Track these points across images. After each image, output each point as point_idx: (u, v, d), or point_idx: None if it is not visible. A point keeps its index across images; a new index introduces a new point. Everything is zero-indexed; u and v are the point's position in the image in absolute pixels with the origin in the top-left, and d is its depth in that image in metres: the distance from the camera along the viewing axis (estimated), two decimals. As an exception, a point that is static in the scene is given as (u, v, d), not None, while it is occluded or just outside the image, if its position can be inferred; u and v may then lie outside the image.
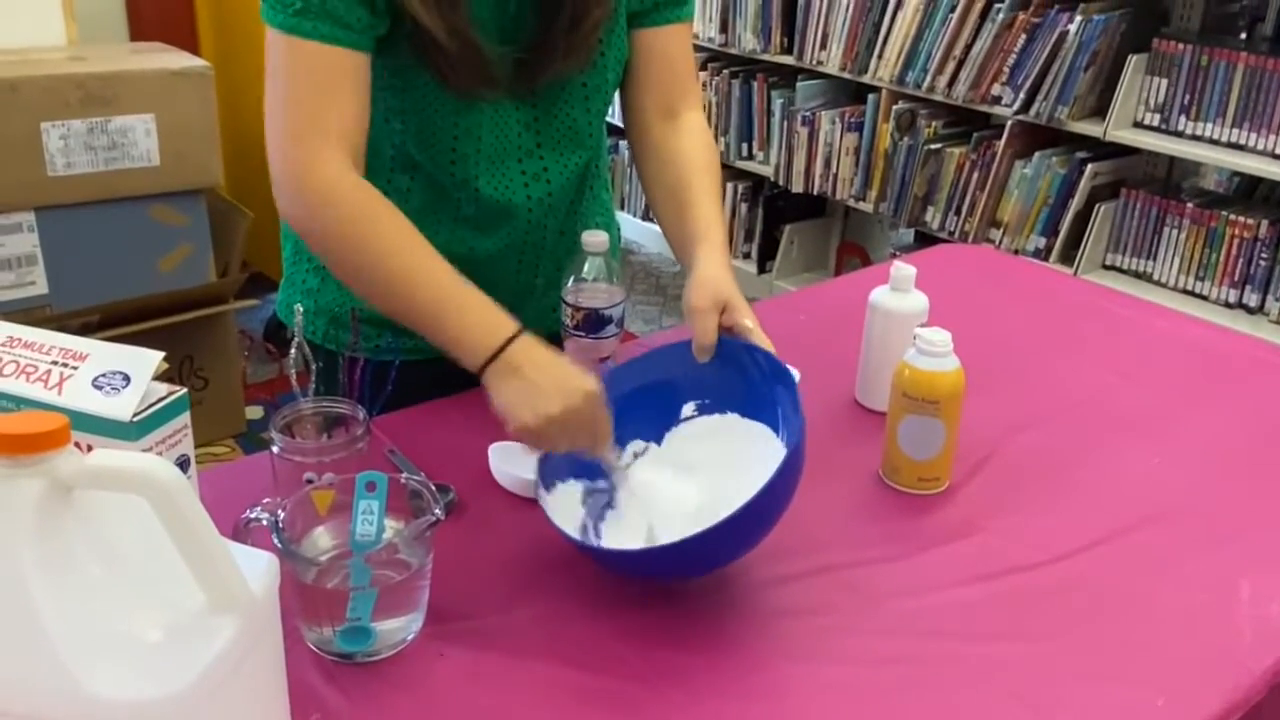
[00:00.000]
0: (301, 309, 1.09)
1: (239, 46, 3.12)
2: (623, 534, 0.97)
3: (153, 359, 0.78)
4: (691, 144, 1.19)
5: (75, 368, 0.77)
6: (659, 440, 1.06)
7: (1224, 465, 1.17)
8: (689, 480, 1.01)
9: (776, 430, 1.00)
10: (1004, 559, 1.00)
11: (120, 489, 0.61)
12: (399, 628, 0.86)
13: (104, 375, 0.77)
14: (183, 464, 0.82)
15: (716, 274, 1.05)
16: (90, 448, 0.76)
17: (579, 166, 1.21)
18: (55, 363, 0.77)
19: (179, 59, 2.46)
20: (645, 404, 1.04)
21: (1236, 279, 2.60)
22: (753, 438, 1.01)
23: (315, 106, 1.03)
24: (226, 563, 0.64)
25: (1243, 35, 2.72)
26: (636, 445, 1.05)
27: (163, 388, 0.79)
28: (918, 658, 0.88)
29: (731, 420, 1.04)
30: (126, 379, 0.76)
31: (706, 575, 0.95)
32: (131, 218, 2.39)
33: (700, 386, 1.05)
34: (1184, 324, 1.55)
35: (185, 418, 0.81)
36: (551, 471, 0.98)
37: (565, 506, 0.97)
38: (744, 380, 1.02)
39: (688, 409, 1.06)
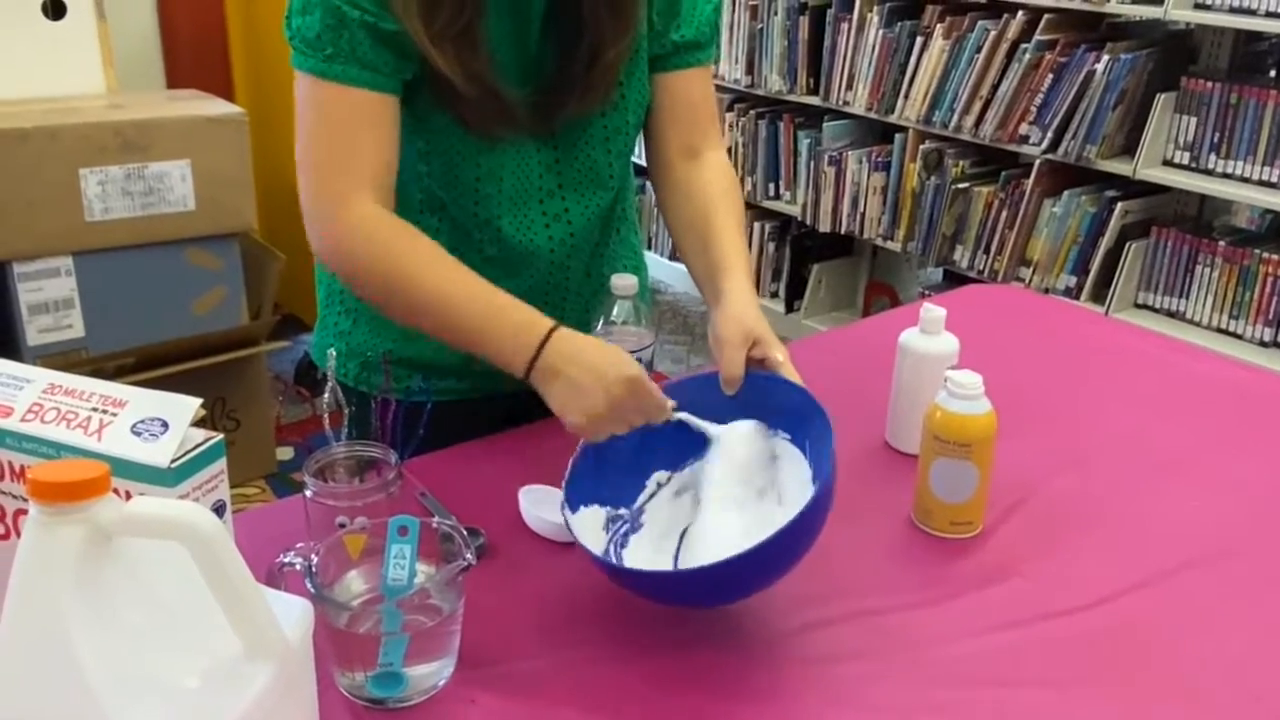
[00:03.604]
0: (335, 352, 1.10)
1: (273, 93, 3.18)
2: (643, 561, 0.98)
3: (190, 405, 0.79)
4: (713, 178, 1.20)
5: (115, 414, 0.78)
6: (681, 469, 1.05)
7: (1265, 508, 1.15)
8: (715, 511, 1.01)
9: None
10: (1040, 604, 0.98)
11: (159, 536, 0.62)
12: (431, 673, 0.86)
13: (143, 422, 0.78)
14: (218, 509, 0.83)
15: (745, 307, 1.06)
16: (129, 494, 0.77)
17: (601, 208, 1.22)
18: (95, 409, 0.78)
19: (214, 106, 2.50)
20: (670, 434, 1.04)
21: (1271, 317, 2.57)
22: (785, 463, 1.01)
23: (344, 149, 1.05)
24: (262, 610, 0.65)
25: (1272, 73, 2.71)
26: (660, 476, 1.05)
27: (199, 434, 0.80)
28: (952, 705, 0.87)
29: (764, 443, 1.03)
30: (165, 425, 0.77)
31: (731, 609, 0.95)
32: (167, 261, 2.43)
33: (727, 418, 1.04)
34: (1219, 364, 1.53)
35: (221, 463, 0.82)
36: (577, 496, 0.98)
37: (589, 529, 0.97)
38: (774, 412, 1.02)
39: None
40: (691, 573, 0.90)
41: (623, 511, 1.02)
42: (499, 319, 1.03)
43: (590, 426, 0.98)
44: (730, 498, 1.01)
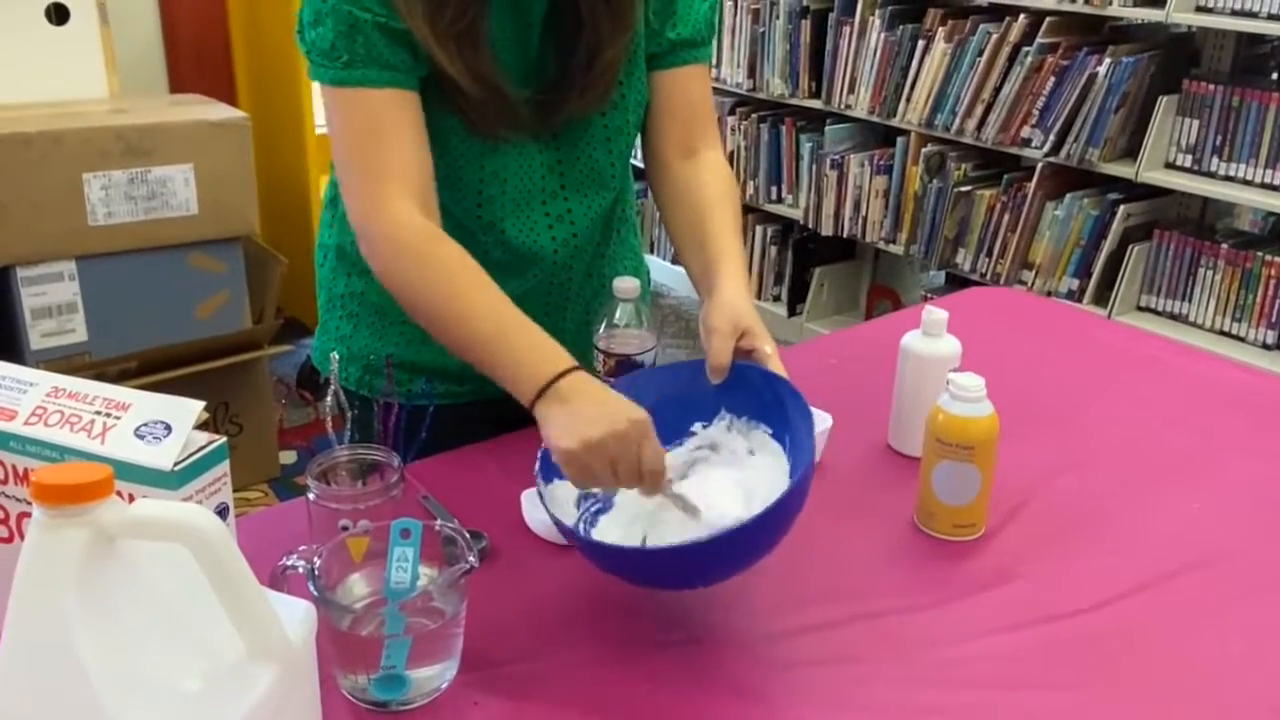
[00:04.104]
0: (337, 356, 1.10)
1: (275, 98, 3.18)
2: (612, 539, 0.98)
3: (194, 409, 0.79)
4: (710, 178, 1.20)
5: (118, 417, 0.79)
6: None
7: (1266, 511, 1.15)
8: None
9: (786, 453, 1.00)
10: (1041, 606, 0.99)
11: (162, 538, 0.62)
12: (433, 676, 0.86)
13: (146, 425, 0.78)
14: (221, 512, 0.83)
15: (736, 298, 1.06)
16: (132, 497, 0.77)
17: (603, 208, 1.23)
18: (99, 413, 0.79)
19: (217, 110, 2.51)
20: (653, 418, 1.04)
21: (1273, 320, 2.57)
22: (764, 457, 1.02)
23: (374, 152, 1.05)
24: (265, 612, 0.65)
25: (1274, 75, 2.71)
26: None
27: (202, 437, 0.80)
28: (953, 708, 0.87)
29: (740, 435, 1.04)
30: (168, 428, 0.78)
31: (733, 611, 0.95)
32: (170, 266, 2.43)
33: (711, 406, 1.05)
34: (1221, 367, 1.53)
35: (224, 466, 0.82)
36: (551, 470, 0.97)
37: (560, 505, 0.97)
38: (758, 404, 1.02)
39: (696, 427, 1.06)
40: (654, 552, 0.91)
41: (595, 490, 1.02)
42: (521, 346, 1.00)
43: (580, 453, 0.91)
44: (704, 488, 1.01)
